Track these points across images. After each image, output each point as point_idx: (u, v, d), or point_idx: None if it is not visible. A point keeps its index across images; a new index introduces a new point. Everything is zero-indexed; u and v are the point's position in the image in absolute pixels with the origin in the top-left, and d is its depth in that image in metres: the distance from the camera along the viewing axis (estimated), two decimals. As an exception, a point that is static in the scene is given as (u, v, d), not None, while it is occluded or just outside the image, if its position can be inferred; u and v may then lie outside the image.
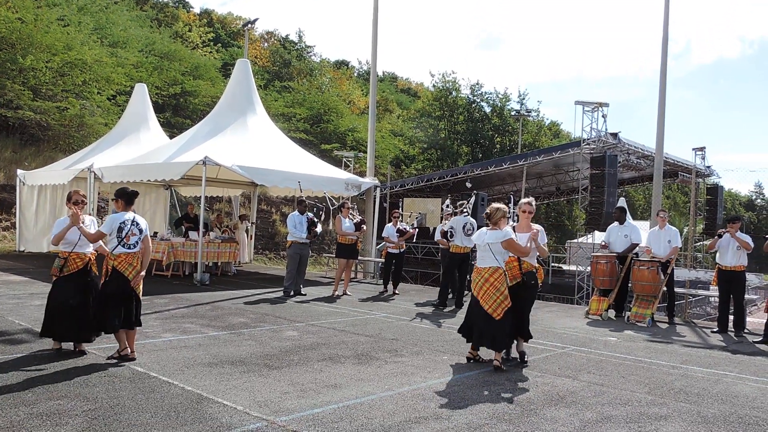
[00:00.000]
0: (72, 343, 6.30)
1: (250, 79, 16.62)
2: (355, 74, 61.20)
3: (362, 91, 51.13)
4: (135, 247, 6.12)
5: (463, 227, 11.31)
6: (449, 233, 11.40)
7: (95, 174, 14.90)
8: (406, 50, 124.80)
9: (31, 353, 6.19)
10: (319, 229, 12.43)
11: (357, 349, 7.22)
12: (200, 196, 14.49)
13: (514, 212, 11.70)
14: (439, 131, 44.64)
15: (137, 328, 6.27)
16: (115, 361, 5.98)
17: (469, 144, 45.20)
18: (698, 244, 29.86)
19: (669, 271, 10.58)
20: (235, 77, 16.63)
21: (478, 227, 8.09)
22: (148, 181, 14.62)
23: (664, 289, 10.64)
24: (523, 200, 7.00)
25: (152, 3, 47.91)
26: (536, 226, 6.87)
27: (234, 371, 5.89)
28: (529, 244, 6.67)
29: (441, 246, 12.59)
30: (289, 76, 46.35)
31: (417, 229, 14.39)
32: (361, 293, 13.11)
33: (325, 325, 8.86)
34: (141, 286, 6.24)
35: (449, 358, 6.98)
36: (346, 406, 4.97)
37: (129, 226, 6.09)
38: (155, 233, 15.85)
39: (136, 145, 16.99)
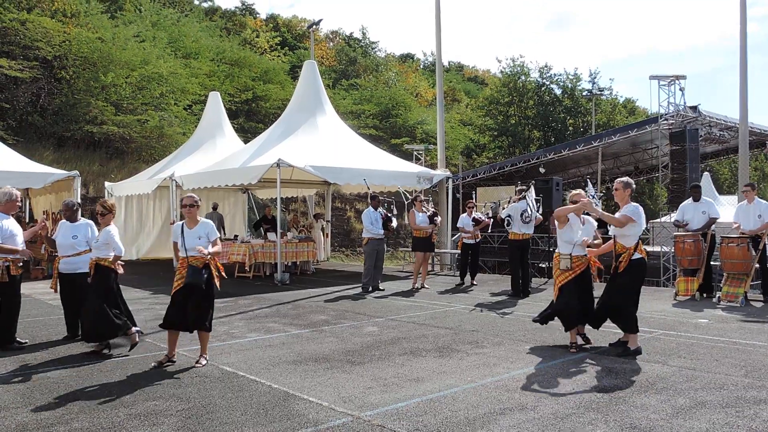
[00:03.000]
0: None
1: (317, 80, 16.85)
2: (421, 66, 61.01)
3: (429, 82, 50.92)
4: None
5: (521, 214, 11.16)
6: (506, 221, 11.27)
7: (176, 182, 15.47)
8: (471, 38, 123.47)
9: (125, 357, 6.52)
10: (394, 224, 12.50)
11: (437, 342, 7.23)
12: (276, 198, 14.82)
13: (593, 195, 11.44)
14: (509, 117, 43.93)
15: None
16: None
17: (541, 128, 44.27)
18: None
19: (761, 247, 10.10)
20: (303, 79, 16.90)
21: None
22: (226, 185, 15.06)
23: (757, 266, 10.16)
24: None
25: (221, 13, 49.24)
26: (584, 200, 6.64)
27: (318, 368, 6.01)
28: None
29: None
30: (355, 74, 46.67)
31: (492, 219, 14.24)
32: (438, 286, 13.11)
33: (404, 319, 8.91)
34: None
35: (531, 347, 6.90)
36: (430, 399, 4.99)
37: None
38: (235, 236, 16.34)
39: (212, 152, 17.54)
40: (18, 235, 6.99)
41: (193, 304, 6.14)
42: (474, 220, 13.18)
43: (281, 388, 5.30)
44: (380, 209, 12.33)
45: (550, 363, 6.18)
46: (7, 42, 23.30)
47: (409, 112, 38.79)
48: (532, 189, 11.96)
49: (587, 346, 6.85)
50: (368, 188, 13.74)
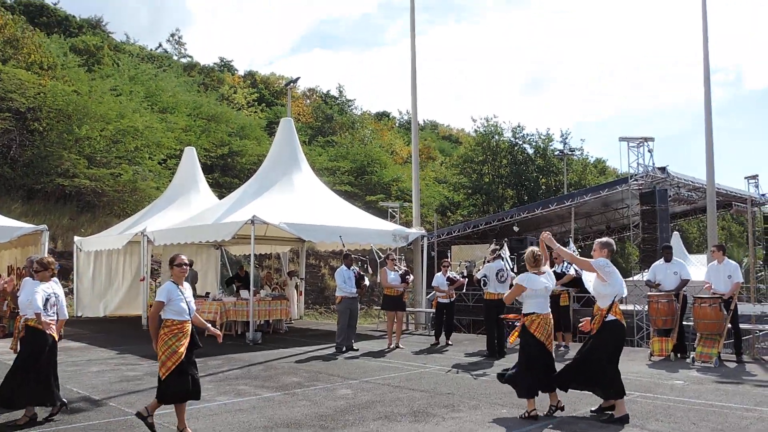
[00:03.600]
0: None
1: (294, 137, 16.92)
2: (397, 124, 61.90)
3: (404, 140, 51.60)
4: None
5: (497, 274, 11.18)
6: (482, 281, 11.28)
7: (148, 237, 15.24)
8: (445, 97, 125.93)
9: (89, 423, 6.24)
10: (367, 282, 12.40)
11: (413, 405, 7.06)
12: (250, 254, 14.65)
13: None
14: (483, 176, 44.57)
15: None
16: None
17: (514, 187, 44.95)
18: (759, 274, 28.70)
19: (732, 307, 10.19)
20: (279, 136, 16.96)
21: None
22: (200, 242, 14.87)
23: (729, 326, 10.23)
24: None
25: (199, 68, 49.76)
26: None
27: (289, 434, 5.81)
28: None
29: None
30: (331, 131, 47.15)
31: (467, 278, 14.21)
32: (413, 345, 12.93)
33: (379, 381, 8.73)
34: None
35: (508, 411, 6.77)
36: (405, 468, 4.83)
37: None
38: (207, 293, 16.05)
39: (186, 207, 17.34)
40: None
41: (194, 367, 5.80)
42: (449, 279, 13.11)
43: (251, 457, 5.10)
44: (353, 267, 12.25)
45: (528, 428, 6.06)
46: (-21, 93, 23.20)
47: (384, 169, 39.17)
48: (506, 248, 12.02)
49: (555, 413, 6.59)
50: (343, 246, 13.67)
